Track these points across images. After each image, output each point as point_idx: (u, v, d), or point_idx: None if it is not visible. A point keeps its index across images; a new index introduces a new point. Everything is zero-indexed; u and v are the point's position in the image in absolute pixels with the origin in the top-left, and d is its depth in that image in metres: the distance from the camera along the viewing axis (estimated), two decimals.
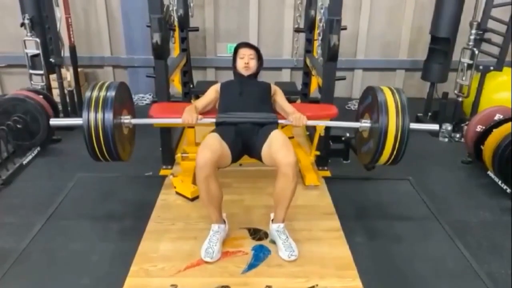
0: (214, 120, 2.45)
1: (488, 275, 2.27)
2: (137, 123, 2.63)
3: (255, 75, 2.68)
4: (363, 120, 2.57)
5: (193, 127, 3.10)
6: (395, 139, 2.34)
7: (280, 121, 2.49)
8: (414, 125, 2.39)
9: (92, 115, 2.28)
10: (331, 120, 2.90)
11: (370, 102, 2.53)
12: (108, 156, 2.41)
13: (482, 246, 2.52)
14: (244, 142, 2.40)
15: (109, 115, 2.29)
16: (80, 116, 2.30)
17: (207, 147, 2.15)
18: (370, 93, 2.55)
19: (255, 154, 2.39)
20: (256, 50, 2.67)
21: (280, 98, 2.70)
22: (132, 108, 2.69)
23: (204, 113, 2.63)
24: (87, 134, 2.30)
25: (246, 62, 2.60)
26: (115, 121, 2.33)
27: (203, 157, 2.09)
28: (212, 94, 2.69)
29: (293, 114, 2.47)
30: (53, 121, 2.57)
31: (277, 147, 2.20)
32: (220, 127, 2.41)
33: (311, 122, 2.57)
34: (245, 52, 2.62)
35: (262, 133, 2.35)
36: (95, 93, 2.34)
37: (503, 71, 4.12)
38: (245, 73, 2.63)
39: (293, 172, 2.11)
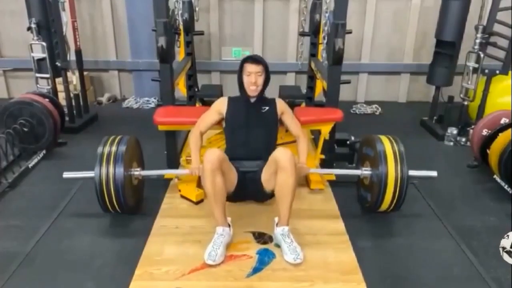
0: None
1: (494, 280, 2.25)
2: (147, 174, 2.80)
3: (261, 93, 2.61)
4: (363, 168, 2.74)
5: None
6: (395, 186, 2.51)
7: None
8: (412, 172, 2.58)
9: (103, 169, 2.47)
10: (335, 122, 2.93)
11: (370, 151, 2.70)
12: (118, 207, 2.57)
13: (488, 251, 2.50)
14: (248, 183, 2.51)
15: (120, 169, 2.47)
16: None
17: (216, 150, 2.29)
18: (370, 142, 2.72)
19: (257, 188, 2.50)
20: (264, 64, 2.53)
21: (287, 118, 2.71)
22: (141, 159, 2.87)
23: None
24: (98, 187, 2.48)
25: (253, 82, 2.50)
26: (125, 174, 2.50)
27: (211, 154, 2.23)
28: (214, 116, 2.69)
29: (297, 161, 2.52)
30: (66, 175, 2.73)
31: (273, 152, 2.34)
32: None
33: (313, 170, 2.76)
34: (251, 70, 2.49)
35: (261, 167, 2.48)
36: (106, 149, 2.53)
37: (508, 74, 4.10)
38: (252, 94, 2.56)
39: (291, 165, 2.21)
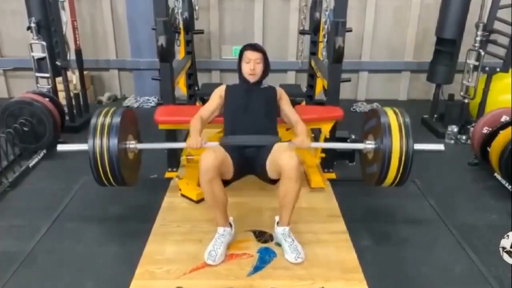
0: (217, 143, 2.44)
1: (495, 279, 2.25)
2: (143, 148, 2.68)
3: (261, 80, 2.63)
4: (367, 141, 2.61)
5: None
6: (400, 160, 2.39)
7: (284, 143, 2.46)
8: (418, 146, 2.44)
9: (97, 141, 2.35)
10: (336, 121, 2.92)
11: (374, 124, 2.57)
12: (114, 181, 2.47)
13: (490, 250, 2.50)
14: (248, 161, 2.42)
15: (114, 141, 2.35)
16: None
17: (211, 152, 2.17)
18: (373, 115, 2.60)
19: (260, 170, 2.40)
20: (263, 52, 2.57)
21: (285, 104, 2.69)
22: (137, 132, 2.75)
23: (211, 120, 2.68)
24: (92, 160, 2.36)
25: (252, 69, 2.52)
26: (120, 147, 2.39)
27: (206, 160, 2.11)
28: (216, 100, 2.67)
29: (297, 136, 2.47)
30: (60, 147, 2.63)
31: (279, 152, 2.23)
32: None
33: (314, 144, 2.60)
34: (251, 57, 2.52)
35: (265, 149, 2.36)
36: (100, 120, 2.41)
37: (509, 72, 4.10)
38: (251, 80, 2.58)
39: (296, 174, 2.12)
